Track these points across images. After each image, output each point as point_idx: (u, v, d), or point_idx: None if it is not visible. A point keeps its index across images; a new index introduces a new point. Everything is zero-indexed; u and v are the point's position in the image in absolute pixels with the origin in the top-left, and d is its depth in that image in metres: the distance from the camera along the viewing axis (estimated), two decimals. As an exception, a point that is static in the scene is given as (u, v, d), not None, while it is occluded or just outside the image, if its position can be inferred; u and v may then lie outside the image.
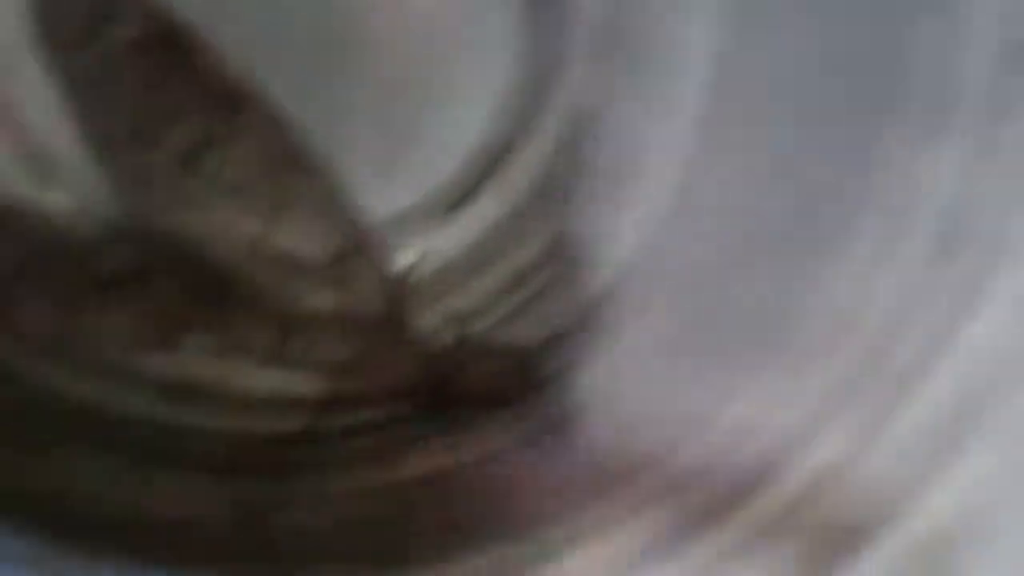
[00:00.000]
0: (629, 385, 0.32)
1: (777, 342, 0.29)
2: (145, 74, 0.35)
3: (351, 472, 0.33)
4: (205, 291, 0.35)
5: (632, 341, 0.33)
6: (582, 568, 0.27)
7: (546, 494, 0.29)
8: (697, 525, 0.26)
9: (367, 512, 0.32)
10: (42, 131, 0.36)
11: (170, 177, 0.35)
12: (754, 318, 0.30)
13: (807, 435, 0.27)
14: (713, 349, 0.30)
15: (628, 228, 0.37)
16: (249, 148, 0.35)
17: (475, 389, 0.35)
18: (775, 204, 0.31)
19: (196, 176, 0.35)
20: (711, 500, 0.27)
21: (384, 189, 0.39)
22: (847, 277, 0.29)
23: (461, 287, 0.40)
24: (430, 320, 0.38)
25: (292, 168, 0.36)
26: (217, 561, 0.28)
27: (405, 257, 0.39)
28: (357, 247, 0.36)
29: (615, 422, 0.31)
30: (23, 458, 0.30)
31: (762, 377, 0.28)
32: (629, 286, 0.36)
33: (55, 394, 0.33)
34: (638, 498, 0.27)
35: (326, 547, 0.30)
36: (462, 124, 0.39)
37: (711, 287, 0.32)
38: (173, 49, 0.35)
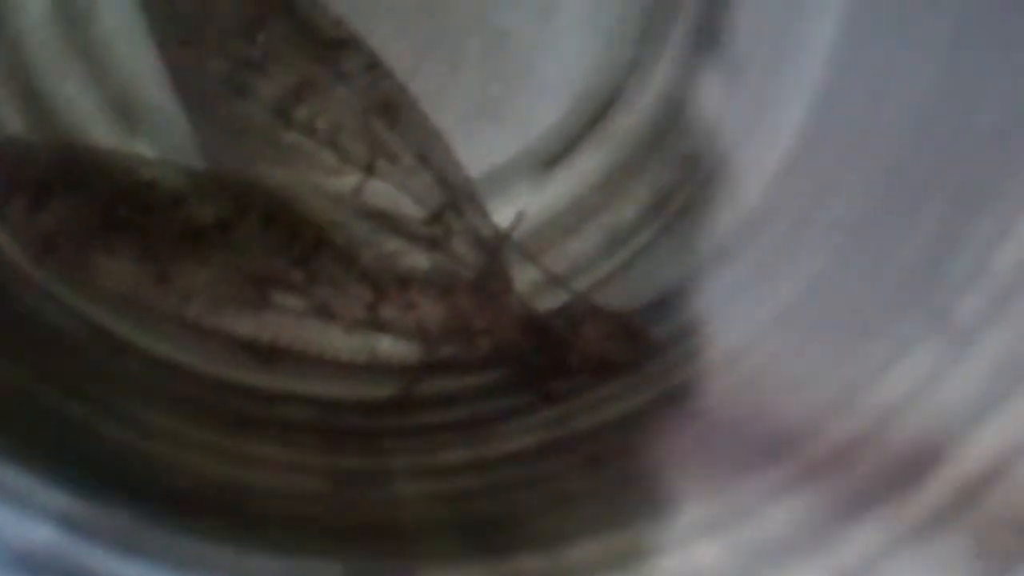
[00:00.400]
0: (764, 353, 0.29)
1: (938, 306, 0.26)
2: (240, 19, 0.32)
3: (450, 446, 0.31)
4: (295, 247, 0.33)
5: (764, 302, 0.31)
6: (712, 560, 0.24)
7: (669, 474, 0.27)
8: (847, 514, 0.24)
9: (469, 487, 0.30)
10: (129, 75, 0.34)
11: (263, 127, 0.33)
12: (911, 276, 0.27)
13: (977, 413, 0.24)
14: (865, 313, 0.28)
15: (753, 171, 0.34)
16: (346, 97, 0.33)
17: (584, 355, 0.32)
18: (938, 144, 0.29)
19: (290, 126, 0.33)
20: (863, 485, 0.24)
21: (483, 142, 0.36)
22: (1013, 235, 0.26)
23: (561, 245, 0.37)
24: (530, 281, 0.36)
25: (390, 119, 0.34)
26: (314, 534, 0.26)
27: (503, 214, 0.37)
28: (455, 203, 0.34)
29: (750, 395, 0.28)
30: (110, 422, 0.28)
31: (921, 347, 0.26)
32: (757, 240, 0.33)
33: (141, 354, 0.31)
34: (778, 481, 0.25)
35: (425, 523, 0.28)
36: (564, 75, 0.37)
37: (860, 236, 0.29)
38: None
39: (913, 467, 0.24)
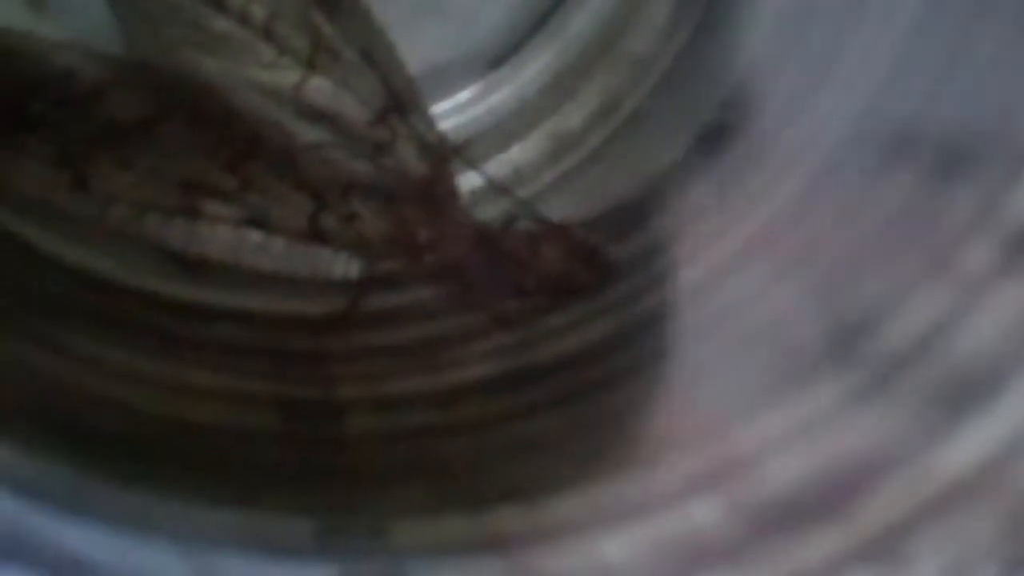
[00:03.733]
0: (737, 286, 0.28)
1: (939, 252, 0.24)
2: None
3: (402, 372, 0.29)
4: (229, 150, 0.30)
5: (734, 228, 0.29)
6: (710, 521, 0.22)
7: (648, 419, 0.25)
8: (856, 477, 0.22)
9: (427, 423, 0.27)
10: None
11: (190, 11, 0.30)
12: (904, 216, 0.25)
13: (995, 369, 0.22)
14: (852, 250, 0.26)
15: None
16: (283, -17, 0.30)
17: (539, 274, 0.30)
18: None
19: (222, 11, 0.30)
20: (870, 443, 0.22)
21: (425, 38, 0.34)
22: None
23: (506, 150, 0.35)
24: (475, 188, 0.33)
25: (330, 10, 0.31)
26: (274, 483, 0.23)
27: (446, 116, 0.34)
28: (399, 104, 0.31)
29: (725, 332, 0.26)
30: (28, 345, 0.25)
31: (923, 295, 0.24)
32: (719, 156, 0.31)
33: (66, 268, 0.28)
34: (773, 433, 0.23)
35: (389, 468, 0.26)
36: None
37: (836, 161, 0.27)
38: None
39: (923, 431, 0.22)
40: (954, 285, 0.22)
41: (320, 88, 0.30)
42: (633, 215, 0.32)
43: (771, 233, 0.29)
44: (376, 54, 0.31)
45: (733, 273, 0.28)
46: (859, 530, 0.20)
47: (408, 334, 0.30)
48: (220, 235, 0.30)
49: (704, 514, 0.21)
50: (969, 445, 0.20)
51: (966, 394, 0.20)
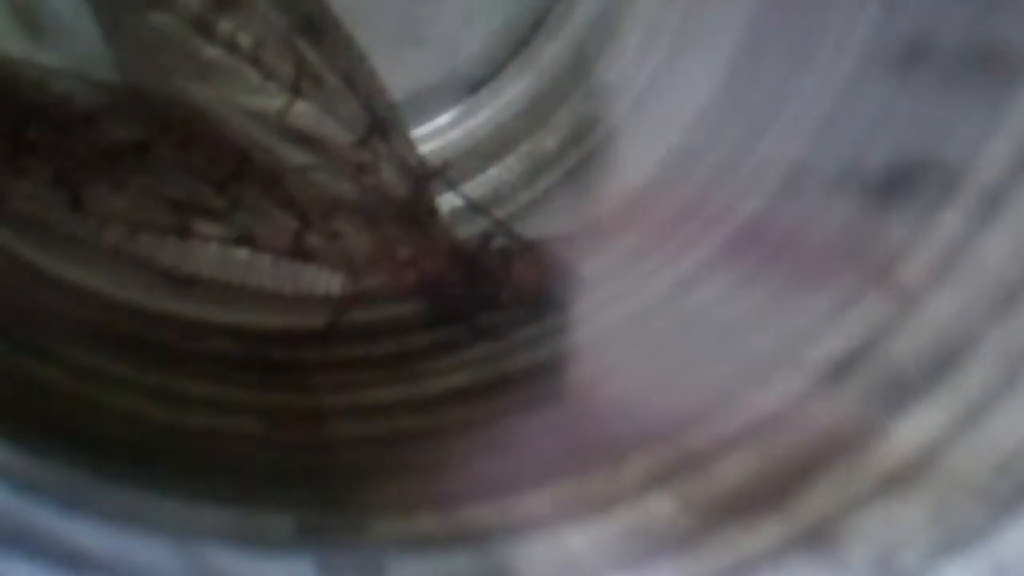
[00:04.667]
0: (698, 297, 0.29)
1: (879, 263, 0.26)
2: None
3: (382, 382, 0.30)
4: (217, 172, 0.31)
5: (695, 244, 0.30)
6: (665, 513, 0.24)
7: (612, 420, 0.27)
8: (802, 469, 0.23)
9: (405, 428, 0.29)
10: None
11: (181, 40, 0.31)
12: (850, 230, 0.27)
13: (926, 376, 0.24)
14: (801, 263, 0.28)
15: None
16: (268, 12, 0.32)
17: (515, 289, 0.32)
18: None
19: (210, 40, 0.31)
20: (813, 440, 0.24)
21: (407, 65, 0.35)
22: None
23: (483, 172, 0.37)
24: (454, 208, 0.35)
25: (314, 38, 0.32)
26: (260, 482, 0.25)
27: (427, 140, 0.36)
28: (380, 128, 0.33)
29: (687, 340, 0.28)
30: (31, 359, 0.27)
31: (864, 304, 0.26)
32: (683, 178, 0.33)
33: (61, 285, 0.29)
34: (727, 432, 0.25)
35: (367, 468, 0.27)
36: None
37: (791, 182, 0.29)
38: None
39: (863, 427, 0.23)
40: (890, 298, 0.24)
41: (305, 112, 0.32)
42: (604, 232, 0.33)
43: (732, 249, 0.30)
44: (358, 80, 0.32)
45: (697, 285, 0.30)
46: (799, 520, 0.21)
47: (388, 346, 0.32)
48: (210, 253, 0.31)
49: (660, 507, 0.22)
50: (903, 440, 0.21)
51: (900, 394, 0.22)
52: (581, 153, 0.37)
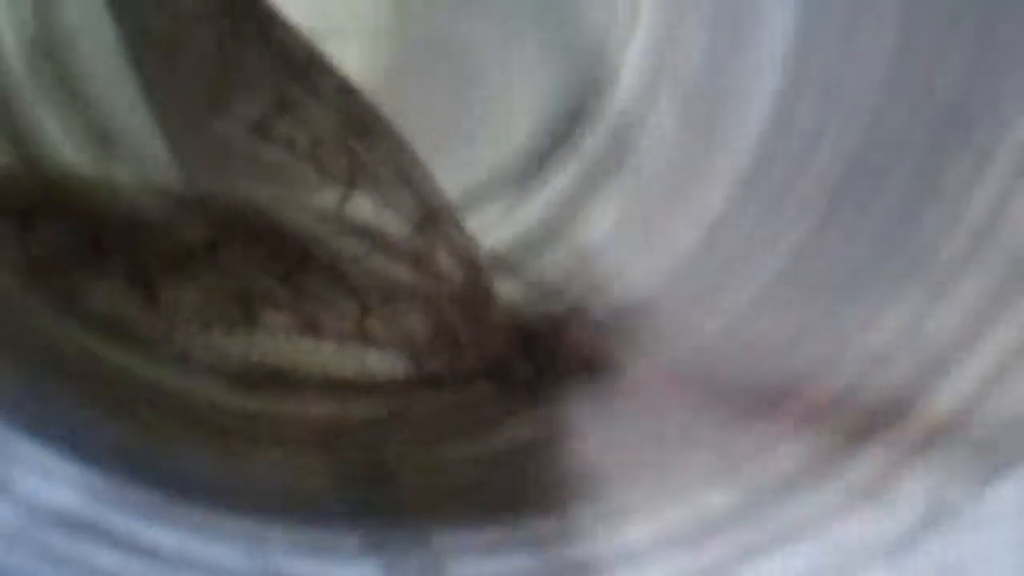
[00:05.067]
0: (753, 328, 0.30)
1: (913, 261, 0.27)
2: (215, 40, 0.33)
3: (444, 445, 0.31)
4: (281, 265, 0.33)
5: (747, 283, 0.31)
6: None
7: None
8: (831, 461, 0.24)
9: (468, 481, 0.30)
10: (106, 102, 0.34)
11: (242, 145, 0.33)
12: (889, 230, 0.28)
13: (953, 358, 0.25)
14: (848, 273, 0.29)
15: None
16: (323, 113, 0.34)
17: (571, 359, 0.33)
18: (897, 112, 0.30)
19: (269, 143, 0.33)
20: (844, 435, 0.25)
21: (457, 163, 0.37)
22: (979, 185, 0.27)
23: (533, 261, 0.38)
24: (512, 293, 0.36)
25: (367, 135, 0.34)
26: (323, 526, 0.25)
27: (481, 229, 0.37)
28: (435, 218, 0.34)
29: (735, 363, 0.29)
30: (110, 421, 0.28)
31: (898, 303, 0.26)
32: (725, 238, 0.34)
33: (136, 383, 0.31)
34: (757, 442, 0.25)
35: (428, 513, 0.28)
36: (533, 93, 0.38)
37: (834, 199, 0.30)
38: (244, 15, 0.33)
39: (901, 406, 0.24)
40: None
41: (361, 205, 0.34)
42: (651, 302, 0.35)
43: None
44: (411, 173, 0.34)
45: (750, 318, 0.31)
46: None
47: (456, 417, 0.33)
48: (276, 342, 0.32)
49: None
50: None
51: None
52: (626, 236, 0.38)
